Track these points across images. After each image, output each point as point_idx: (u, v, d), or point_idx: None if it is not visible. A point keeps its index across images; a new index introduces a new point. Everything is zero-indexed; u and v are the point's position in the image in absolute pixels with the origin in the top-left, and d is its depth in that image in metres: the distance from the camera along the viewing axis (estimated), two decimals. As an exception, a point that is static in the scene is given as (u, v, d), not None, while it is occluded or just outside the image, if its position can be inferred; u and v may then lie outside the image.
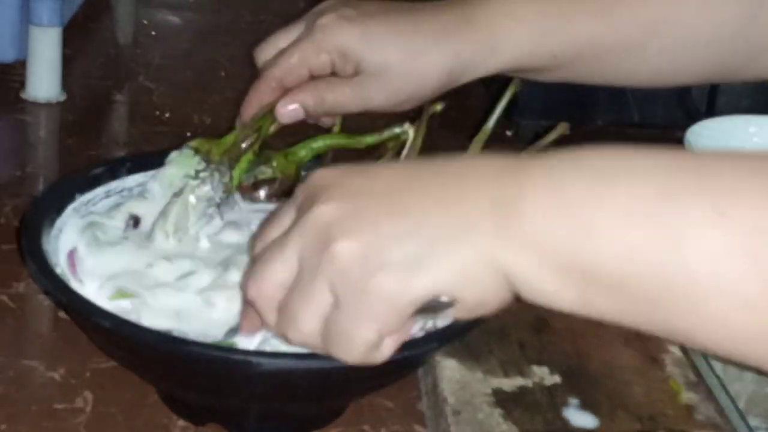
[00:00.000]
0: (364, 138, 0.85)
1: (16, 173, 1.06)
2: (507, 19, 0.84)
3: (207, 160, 0.80)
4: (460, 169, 0.61)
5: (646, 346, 0.83)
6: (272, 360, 0.66)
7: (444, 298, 0.59)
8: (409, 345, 0.69)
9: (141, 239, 0.78)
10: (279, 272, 0.63)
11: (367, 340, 0.61)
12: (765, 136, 1.12)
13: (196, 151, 0.81)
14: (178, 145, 0.83)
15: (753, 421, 0.77)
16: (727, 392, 0.80)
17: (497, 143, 1.22)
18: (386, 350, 0.63)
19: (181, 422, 0.74)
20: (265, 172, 0.82)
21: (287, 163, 0.83)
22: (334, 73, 0.84)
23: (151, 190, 0.80)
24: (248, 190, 0.82)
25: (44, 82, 1.19)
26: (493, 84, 1.27)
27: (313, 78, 0.84)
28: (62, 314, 0.81)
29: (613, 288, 0.55)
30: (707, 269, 0.52)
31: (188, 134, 1.15)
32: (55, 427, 0.73)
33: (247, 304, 0.67)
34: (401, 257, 0.59)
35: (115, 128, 1.22)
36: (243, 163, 0.80)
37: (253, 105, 0.84)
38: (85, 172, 0.83)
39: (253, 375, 0.66)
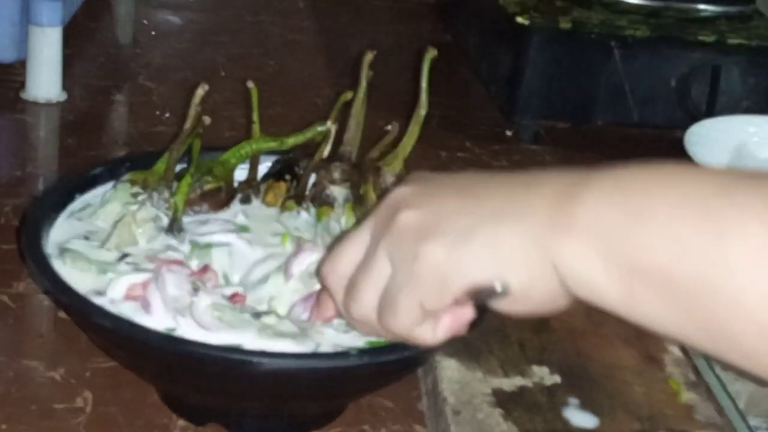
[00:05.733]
0: (288, 139, 0.85)
1: (16, 173, 1.06)
2: None
3: (144, 188, 0.80)
4: (536, 175, 0.62)
5: (646, 346, 0.83)
6: (272, 360, 0.66)
7: (495, 285, 0.59)
8: (408, 345, 0.69)
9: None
10: (352, 251, 0.65)
11: (409, 310, 0.62)
12: (765, 135, 1.12)
13: (132, 183, 0.81)
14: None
15: (753, 421, 0.77)
16: (727, 392, 0.80)
17: (497, 143, 1.23)
18: (440, 332, 0.64)
19: (181, 422, 0.74)
20: (210, 181, 0.82)
21: (225, 171, 0.83)
22: None
23: (99, 227, 0.79)
24: (196, 203, 0.81)
25: (44, 82, 1.19)
26: (493, 85, 1.28)
27: None
28: (62, 314, 0.81)
29: (658, 283, 0.54)
30: (746, 265, 0.51)
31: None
32: (55, 427, 0.73)
33: (322, 290, 0.69)
34: (454, 229, 0.60)
35: (115, 128, 1.23)
36: (184, 186, 0.80)
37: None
38: (85, 172, 0.83)
39: (253, 375, 0.66)
